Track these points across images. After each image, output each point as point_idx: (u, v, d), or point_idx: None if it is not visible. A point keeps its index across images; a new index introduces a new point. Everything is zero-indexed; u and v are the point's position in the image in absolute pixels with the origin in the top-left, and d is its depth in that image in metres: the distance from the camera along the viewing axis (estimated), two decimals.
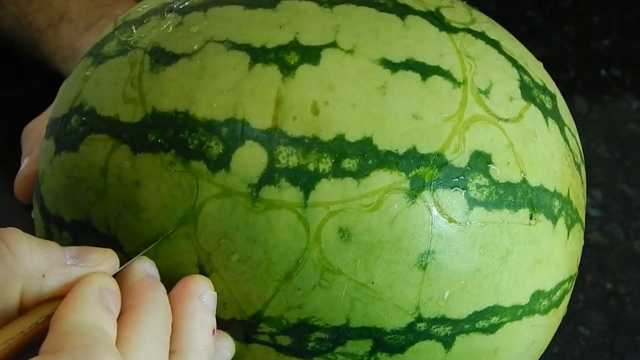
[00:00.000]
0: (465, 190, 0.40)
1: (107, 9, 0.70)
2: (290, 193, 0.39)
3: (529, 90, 0.44)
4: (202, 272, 0.40)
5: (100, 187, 0.41)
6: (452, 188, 0.40)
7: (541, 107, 0.44)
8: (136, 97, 0.42)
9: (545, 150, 0.43)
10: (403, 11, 0.44)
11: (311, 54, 0.41)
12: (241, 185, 0.39)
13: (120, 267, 0.39)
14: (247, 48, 0.41)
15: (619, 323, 0.66)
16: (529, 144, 0.43)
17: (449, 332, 0.41)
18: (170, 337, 0.37)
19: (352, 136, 0.39)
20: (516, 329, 0.43)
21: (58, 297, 0.36)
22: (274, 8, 0.43)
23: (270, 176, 0.39)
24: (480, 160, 0.41)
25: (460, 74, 0.42)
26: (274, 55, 0.41)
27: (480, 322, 0.42)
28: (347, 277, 0.39)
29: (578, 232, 0.46)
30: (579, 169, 0.47)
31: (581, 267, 0.48)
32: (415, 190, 0.39)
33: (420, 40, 0.42)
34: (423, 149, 0.40)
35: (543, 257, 0.43)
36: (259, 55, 0.41)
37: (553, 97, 0.46)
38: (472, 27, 0.45)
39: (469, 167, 0.40)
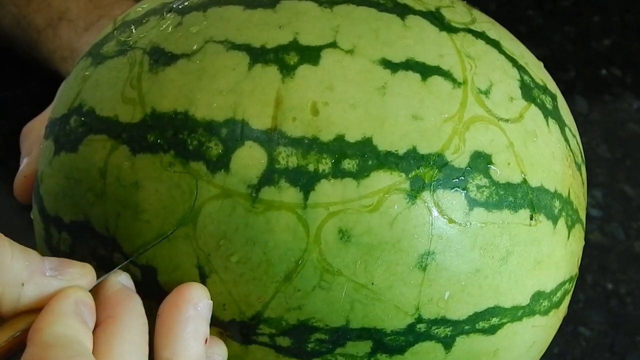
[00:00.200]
0: (465, 191, 0.40)
1: (106, 10, 0.70)
2: (289, 194, 0.39)
3: (529, 91, 0.44)
4: (202, 273, 0.40)
5: (99, 188, 0.41)
6: (452, 189, 0.40)
7: (542, 107, 0.44)
8: (135, 97, 0.42)
9: (545, 150, 0.43)
10: (403, 11, 0.43)
11: (311, 54, 0.41)
12: (241, 186, 0.39)
13: (97, 280, 0.39)
14: (246, 48, 0.41)
15: (619, 323, 0.66)
16: (530, 145, 0.43)
17: (449, 333, 0.41)
18: (162, 343, 0.38)
19: (352, 137, 0.39)
20: (516, 329, 0.43)
21: (33, 311, 0.36)
22: (273, 8, 0.43)
23: (269, 177, 0.39)
24: (481, 161, 0.41)
25: (460, 74, 0.42)
26: (274, 56, 0.41)
27: (480, 323, 0.41)
28: (346, 278, 0.39)
29: (579, 233, 0.46)
30: (579, 169, 0.47)
31: (581, 267, 0.48)
32: (415, 191, 0.39)
33: (420, 41, 0.42)
34: (423, 150, 0.40)
35: (543, 257, 0.43)
36: (258, 55, 0.41)
37: (553, 97, 0.46)
38: (472, 27, 0.45)
39: (469, 168, 0.40)
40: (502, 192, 0.41)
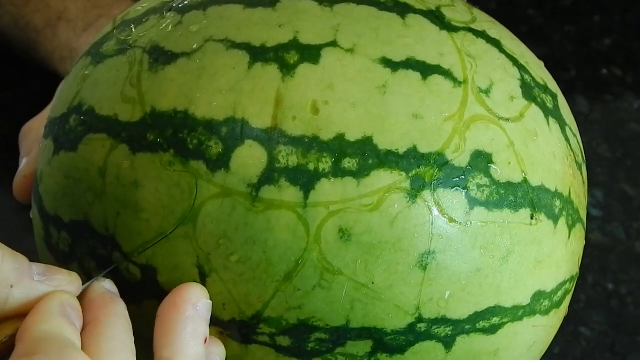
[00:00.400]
0: (466, 190, 0.40)
1: (105, 10, 0.70)
2: (290, 193, 0.39)
3: (530, 90, 0.44)
4: (202, 272, 0.40)
5: (99, 187, 0.41)
6: (452, 188, 0.40)
7: (542, 106, 0.44)
8: (135, 96, 0.41)
9: (546, 149, 0.43)
10: (403, 10, 0.43)
11: (311, 53, 0.41)
12: (241, 185, 0.39)
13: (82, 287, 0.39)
14: (246, 47, 0.41)
15: (620, 323, 0.66)
16: (530, 144, 0.42)
17: (449, 333, 0.41)
18: (161, 343, 0.38)
19: (352, 136, 0.39)
20: (517, 329, 0.43)
21: (20, 317, 0.36)
22: (273, 7, 0.43)
23: (270, 176, 0.39)
24: (481, 160, 0.41)
25: (460, 73, 0.42)
26: (274, 55, 0.41)
27: (481, 322, 0.41)
28: (347, 277, 0.39)
29: (579, 232, 0.46)
30: (580, 168, 0.47)
31: (582, 267, 0.48)
32: (415, 190, 0.39)
33: (421, 40, 0.42)
34: (423, 149, 0.40)
35: (544, 257, 0.43)
36: (258, 54, 0.41)
37: (554, 97, 0.46)
38: (472, 26, 0.45)
39: (470, 167, 0.40)
40: (502, 192, 0.41)
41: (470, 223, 0.40)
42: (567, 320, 0.48)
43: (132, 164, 0.40)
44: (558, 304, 0.45)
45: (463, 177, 0.40)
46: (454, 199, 0.40)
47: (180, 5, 0.44)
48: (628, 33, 0.89)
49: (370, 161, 0.39)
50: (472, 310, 0.41)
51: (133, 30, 0.44)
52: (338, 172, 0.39)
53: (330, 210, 0.39)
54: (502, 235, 0.41)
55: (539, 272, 0.43)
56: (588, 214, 0.48)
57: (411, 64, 0.41)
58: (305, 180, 0.39)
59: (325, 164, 0.39)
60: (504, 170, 0.41)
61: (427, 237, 0.39)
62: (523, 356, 0.45)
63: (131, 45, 0.43)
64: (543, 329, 0.45)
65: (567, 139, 0.45)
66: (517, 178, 0.42)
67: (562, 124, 0.46)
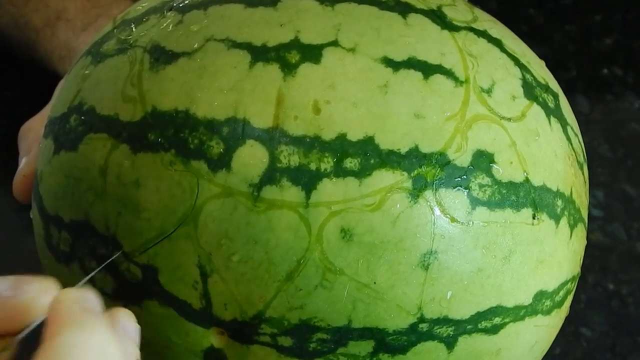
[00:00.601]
0: (467, 190, 0.40)
1: (104, 9, 0.70)
2: (291, 193, 0.39)
3: (531, 89, 0.44)
4: (203, 272, 0.40)
5: (99, 187, 0.41)
6: (454, 187, 0.40)
7: (544, 106, 0.44)
8: (136, 96, 0.41)
9: (547, 149, 0.43)
10: (404, 9, 0.43)
11: (312, 53, 0.41)
12: (242, 185, 0.39)
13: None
14: (247, 47, 0.41)
15: (620, 324, 0.66)
16: (532, 143, 0.42)
17: (451, 333, 0.41)
18: None
19: (354, 135, 0.39)
20: (519, 329, 0.43)
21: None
22: (274, 6, 0.43)
23: (271, 176, 0.39)
24: (483, 160, 0.41)
25: (462, 73, 0.42)
26: (275, 54, 0.41)
27: (482, 322, 0.41)
28: (349, 277, 0.39)
29: (581, 232, 0.46)
30: (581, 168, 0.47)
31: (583, 267, 0.48)
32: (417, 189, 0.39)
33: (422, 39, 0.42)
34: (425, 148, 0.40)
35: (546, 257, 0.43)
36: (259, 54, 0.41)
37: (555, 96, 0.46)
38: (474, 25, 0.45)
39: (472, 167, 0.40)
40: (504, 191, 0.41)
41: (472, 223, 0.40)
42: (567, 321, 0.48)
43: (133, 164, 0.40)
44: (560, 304, 0.45)
45: (465, 176, 0.40)
46: (455, 198, 0.40)
47: (181, 5, 0.44)
48: (629, 33, 0.89)
49: (372, 161, 0.39)
50: (474, 310, 0.41)
51: (133, 29, 0.44)
52: (340, 171, 0.39)
53: (332, 210, 0.39)
54: (504, 235, 0.41)
55: (540, 271, 0.42)
56: (589, 214, 0.48)
57: (412, 64, 0.41)
58: (307, 180, 0.39)
59: (327, 164, 0.39)
60: (505, 170, 0.41)
61: (429, 237, 0.39)
62: (524, 356, 0.45)
63: (132, 45, 0.43)
64: (545, 328, 0.45)
65: (568, 139, 0.45)
66: (518, 178, 0.41)
67: (564, 124, 0.46)
